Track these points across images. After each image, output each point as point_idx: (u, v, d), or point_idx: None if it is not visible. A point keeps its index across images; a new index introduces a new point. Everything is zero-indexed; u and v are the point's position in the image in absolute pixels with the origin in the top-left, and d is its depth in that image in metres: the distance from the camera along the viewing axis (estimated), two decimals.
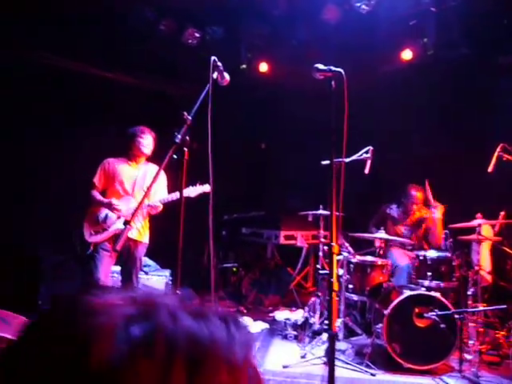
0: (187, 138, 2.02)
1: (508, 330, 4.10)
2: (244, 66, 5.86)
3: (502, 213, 4.61)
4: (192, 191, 3.80)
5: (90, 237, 3.93)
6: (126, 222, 1.92)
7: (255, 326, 4.83)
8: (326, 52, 5.62)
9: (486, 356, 4.11)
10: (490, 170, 4.06)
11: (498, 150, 4.06)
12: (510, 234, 4.63)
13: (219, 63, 2.27)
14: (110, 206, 3.91)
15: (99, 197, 4.01)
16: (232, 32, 5.80)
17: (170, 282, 4.78)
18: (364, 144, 4.23)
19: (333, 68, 2.04)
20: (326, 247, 4.67)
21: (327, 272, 1.84)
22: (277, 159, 6.63)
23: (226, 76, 2.36)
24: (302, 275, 6.11)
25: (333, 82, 1.98)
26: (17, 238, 5.23)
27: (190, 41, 5.68)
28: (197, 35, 5.64)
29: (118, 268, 4.23)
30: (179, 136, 1.98)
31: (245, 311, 5.47)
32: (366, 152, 4.14)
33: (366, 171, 4.14)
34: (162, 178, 4.14)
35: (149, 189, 2.13)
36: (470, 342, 3.87)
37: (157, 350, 0.44)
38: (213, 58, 2.23)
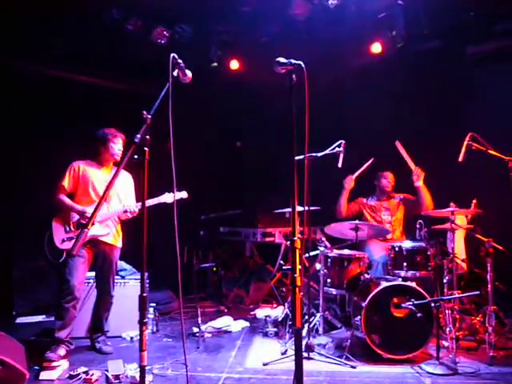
0: (147, 137, 1.98)
1: (483, 316, 4.17)
2: (215, 63, 5.82)
3: (474, 201, 4.69)
4: (169, 197, 3.85)
5: (62, 244, 3.84)
6: (83, 226, 1.88)
7: (236, 325, 4.81)
8: (296, 47, 5.63)
9: (463, 342, 4.18)
10: (460, 159, 4.11)
11: (467, 139, 4.11)
12: (483, 222, 4.69)
13: (180, 60, 2.23)
14: (83, 215, 3.82)
15: (69, 202, 3.91)
16: (201, 30, 5.76)
17: (148, 285, 4.72)
18: (337, 137, 4.25)
19: (293, 61, 2.03)
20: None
21: (289, 268, 1.83)
22: (253, 157, 6.61)
23: (188, 73, 2.32)
24: (282, 272, 6.10)
25: (294, 76, 1.98)
26: None
27: (159, 40, 5.62)
28: (166, 34, 5.59)
29: (93, 274, 4.16)
30: (138, 136, 1.95)
31: (225, 310, 5.45)
32: (339, 146, 4.15)
33: (339, 165, 4.16)
34: (130, 181, 4.16)
35: (106, 192, 2.08)
36: (447, 329, 3.92)
37: None
38: (172, 54, 2.19)
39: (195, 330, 4.50)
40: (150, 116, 2.01)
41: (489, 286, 3.98)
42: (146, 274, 4.62)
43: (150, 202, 3.84)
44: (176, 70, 2.24)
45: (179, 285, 2.46)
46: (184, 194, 4.02)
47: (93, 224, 3.84)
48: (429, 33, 5.71)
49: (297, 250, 1.80)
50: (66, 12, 5.08)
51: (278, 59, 2.10)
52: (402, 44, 5.69)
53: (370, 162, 5.16)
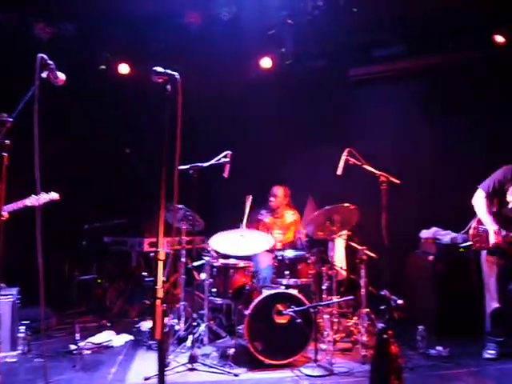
0: (7, 141, 1.83)
1: (358, 318, 4.49)
2: (103, 66, 5.58)
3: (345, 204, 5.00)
4: (35, 200, 3.57)
5: None
6: None
7: (118, 340, 4.61)
8: (189, 56, 5.63)
9: (339, 344, 4.44)
10: (338, 172, 4.40)
11: (345, 154, 4.42)
12: (361, 231, 5.04)
13: (50, 61, 2.09)
14: None
15: None
16: (89, 31, 5.49)
17: (19, 302, 4.31)
18: (224, 148, 4.31)
19: (169, 71, 2.03)
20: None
21: (152, 279, 1.80)
22: (140, 164, 6.43)
23: (60, 75, 2.18)
24: (170, 282, 5.97)
25: (168, 86, 1.97)
26: None
27: (40, 36, 5.26)
28: (48, 31, 5.24)
29: None
30: None
31: (108, 324, 5.18)
32: (225, 156, 4.21)
33: (225, 175, 4.22)
34: None
35: None
36: (325, 332, 4.15)
37: None
38: (40, 55, 2.05)
39: (72, 347, 4.21)
40: (10, 119, 1.85)
41: (362, 290, 4.31)
42: (17, 289, 4.27)
43: (13, 207, 3.54)
44: (45, 72, 2.09)
45: (40, 299, 2.28)
46: (54, 195, 3.78)
47: None
48: (315, 53, 6.09)
49: (159, 262, 1.78)
50: None
51: (154, 68, 2.08)
52: (290, 61, 5.99)
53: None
